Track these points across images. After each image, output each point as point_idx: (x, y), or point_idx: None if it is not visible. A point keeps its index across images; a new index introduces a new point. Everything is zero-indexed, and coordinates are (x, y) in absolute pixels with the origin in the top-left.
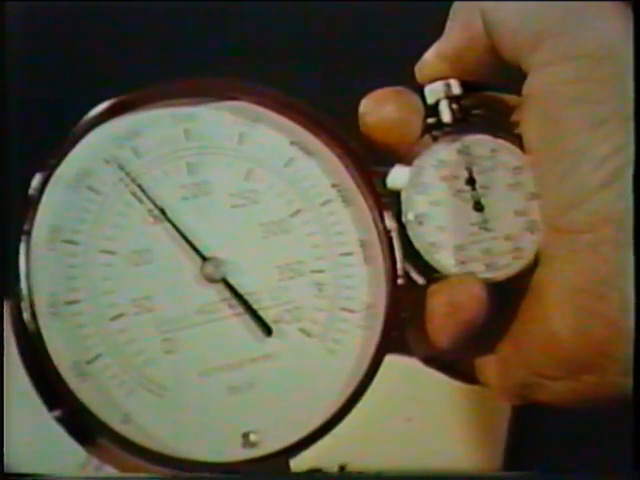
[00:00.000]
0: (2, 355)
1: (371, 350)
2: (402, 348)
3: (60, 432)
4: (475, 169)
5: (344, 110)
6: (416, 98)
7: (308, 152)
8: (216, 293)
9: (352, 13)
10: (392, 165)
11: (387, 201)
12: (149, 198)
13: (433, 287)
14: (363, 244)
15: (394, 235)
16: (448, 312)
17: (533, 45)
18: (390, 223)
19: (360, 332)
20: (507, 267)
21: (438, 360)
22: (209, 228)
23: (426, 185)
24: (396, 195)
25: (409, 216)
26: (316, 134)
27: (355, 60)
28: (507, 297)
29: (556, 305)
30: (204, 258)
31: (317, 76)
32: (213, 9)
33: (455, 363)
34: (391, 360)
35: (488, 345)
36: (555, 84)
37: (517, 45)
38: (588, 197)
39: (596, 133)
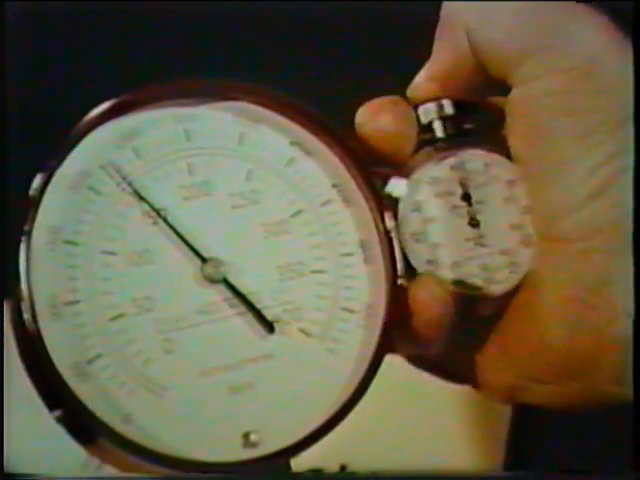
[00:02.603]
0: (2, 355)
1: (371, 350)
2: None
3: (60, 432)
4: (469, 184)
5: (344, 110)
6: (412, 108)
7: (308, 152)
8: (216, 293)
9: (352, 13)
10: (392, 166)
11: (387, 202)
12: (147, 202)
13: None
14: (363, 244)
15: (394, 235)
16: (414, 311)
17: (518, 61)
18: (390, 223)
19: (360, 332)
20: (504, 282)
21: (422, 359)
22: (210, 229)
23: (421, 202)
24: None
25: (406, 234)
26: (316, 134)
27: (355, 60)
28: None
29: (546, 312)
30: (203, 259)
31: (317, 76)
32: (213, 9)
33: (441, 363)
34: (391, 360)
35: (474, 346)
36: (541, 96)
37: (502, 62)
38: (578, 207)
39: (584, 144)
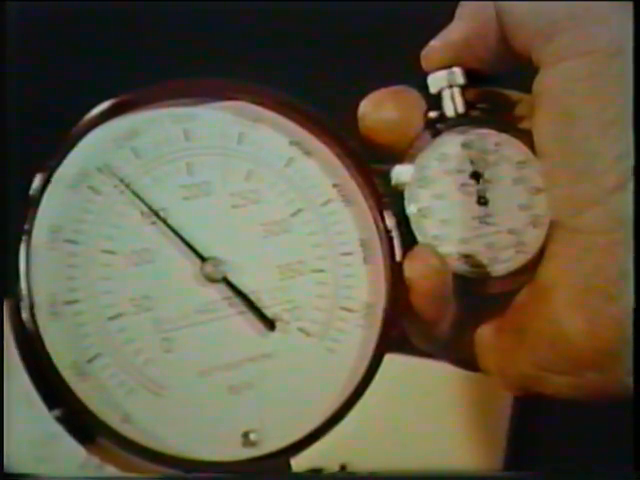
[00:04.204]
0: (2, 355)
1: (370, 349)
2: (401, 347)
3: (60, 432)
4: (479, 163)
5: (344, 110)
6: (415, 95)
7: (308, 152)
8: (216, 292)
9: (352, 12)
10: (393, 163)
11: (387, 201)
12: (145, 203)
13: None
14: (363, 244)
15: (394, 235)
16: (411, 284)
17: (547, 37)
18: (390, 222)
19: (360, 331)
20: (509, 261)
21: (433, 343)
22: (209, 228)
23: (430, 179)
24: (398, 193)
25: (412, 209)
26: (316, 134)
27: (355, 60)
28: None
29: (566, 303)
30: (203, 258)
31: (317, 76)
32: (213, 9)
33: (453, 348)
34: (390, 359)
35: (486, 331)
36: (568, 81)
37: (530, 36)
38: (602, 199)
39: (609, 133)
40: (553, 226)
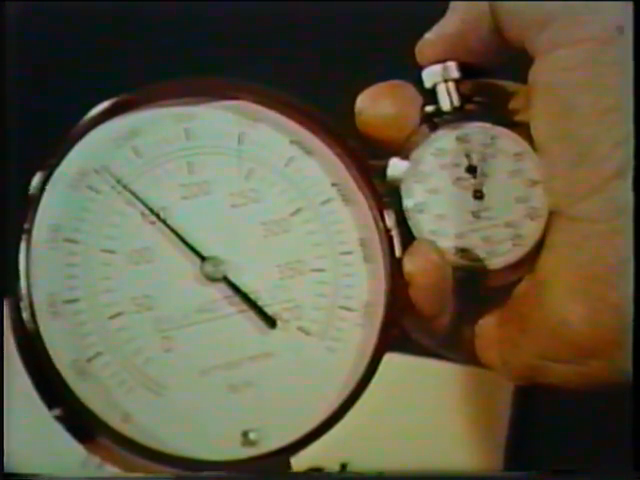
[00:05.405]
0: (2, 354)
1: (370, 348)
2: (401, 346)
3: (60, 431)
4: (475, 157)
5: (343, 108)
6: (412, 90)
7: (308, 151)
8: (216, 292)
9: (348, 8)
10: (390, 158)
11: (387, 200)
12: (143, 203)
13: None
14: (363, 243)
15: (394, 234)
16: (411, 279)
17: (540, 26)
18: (390, 222)
19: (359, 330)
20: (507, 254)
21: (435, 338)
22: (209, 227)
23: (425, 174)
24: (396, 190)
25: (409, 205)
26: (316, 133)
27: (352, 55)
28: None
29: (566, 292)
30: (203, 258)
31: (317, 75)
32: (212, 9)
33: (456, 344)
34: (390, 358)
35: (489, 325)
36: (563, 70)
37: (523, 26)
38: (601, 186)
39: (606, 120)
40: (552, 215)
